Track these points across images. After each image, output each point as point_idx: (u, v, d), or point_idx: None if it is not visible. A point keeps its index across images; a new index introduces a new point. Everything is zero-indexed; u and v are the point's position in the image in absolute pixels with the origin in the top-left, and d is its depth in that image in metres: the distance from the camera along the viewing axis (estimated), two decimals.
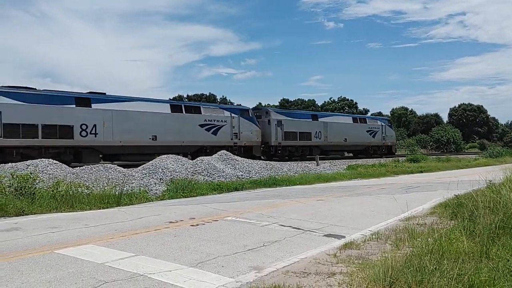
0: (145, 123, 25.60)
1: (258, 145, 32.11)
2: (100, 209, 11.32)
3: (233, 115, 30.70)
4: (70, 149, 23.01)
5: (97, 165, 17.38)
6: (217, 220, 9.51)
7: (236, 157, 22.23)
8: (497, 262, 5.52)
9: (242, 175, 19.38)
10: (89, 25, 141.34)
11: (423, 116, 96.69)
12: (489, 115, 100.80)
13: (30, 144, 21.35)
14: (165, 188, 14.75)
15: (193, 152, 27.71)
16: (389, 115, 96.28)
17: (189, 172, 18.01)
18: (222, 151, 22.57)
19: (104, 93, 25.78)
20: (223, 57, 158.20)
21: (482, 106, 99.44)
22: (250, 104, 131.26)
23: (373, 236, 7.76)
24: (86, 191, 12.59)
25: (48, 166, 15.81)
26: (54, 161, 16.66)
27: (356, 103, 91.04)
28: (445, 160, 36.19)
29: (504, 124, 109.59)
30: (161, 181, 16.18)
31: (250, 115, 32.17)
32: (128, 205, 12.10)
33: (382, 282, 4.81)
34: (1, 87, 21.29)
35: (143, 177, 16.43)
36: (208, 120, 29.15)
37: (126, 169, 17.48)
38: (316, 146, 36.44)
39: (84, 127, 23.22)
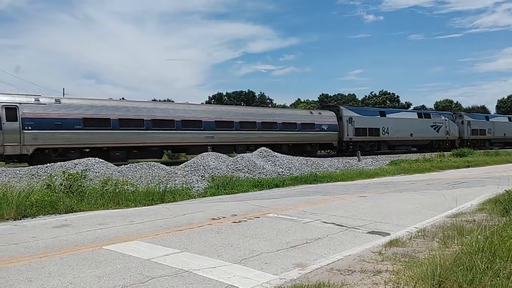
0: (406, 125, 40.66)
1: (455, 139, 45.80)
2: (145, 206, 11.59)
3: (445, 118, 45.20)
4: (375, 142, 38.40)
5: (141, 163, 17.82)
6: (259, 217, 9.53)
7: (276, 153, 22.21)
8: None
9: (282, 171, 19.35)
10: (131, 27, 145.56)
11: (469, 108, 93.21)
12: None
13: (365, 139, 37.24)
14: (207, 185, 14.93)
15: (425, 145, 43.29)
16: (433, 108, 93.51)
17: (229, 169, 18.16)
18: (262, 148, 22.61)
19: (390, 108, 39.01)
20: (261, 53, 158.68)
21: None
22: (288, 100, 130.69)
23: (419, 233, 7.55)
24: (131, 188, 12.93)
25: (94, 165, 16.36)
26: (101, 160, 17.23)
27: (398, 96, 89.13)
28: (494, 154, 34.72)
29: None
30: (203, 178, 16.40)
31: (453, 118, 46.69)
32: (172, 202, 12.33)
33: (430, 281, 4.66)
34: (348, 106, 42.04)
35: (185, 175, 16.71)
36: (434, 122, 43.70)
37: (169, 166, 17.84)
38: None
39: (383, 129, 38.21)
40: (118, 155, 23.23)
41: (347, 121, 35.89)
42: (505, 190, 10.47)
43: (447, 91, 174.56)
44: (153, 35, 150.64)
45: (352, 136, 36.16)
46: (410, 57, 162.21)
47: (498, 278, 4.52)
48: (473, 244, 5.80)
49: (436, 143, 44.21)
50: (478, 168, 25.68)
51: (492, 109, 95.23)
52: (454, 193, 12.98)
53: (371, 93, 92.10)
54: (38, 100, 21.91)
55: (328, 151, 36.32)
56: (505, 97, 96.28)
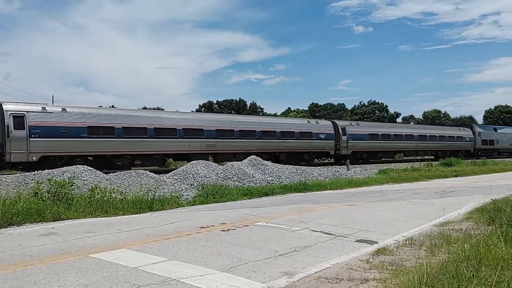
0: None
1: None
2: (133, 214, 11.52)
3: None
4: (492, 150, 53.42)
5: (130, 171, 17.71)
6: (248, 225, 9.52)
7: (266, 162, 22.21)
8: None
9: (272, 180, 19.37)
10: (121, 35, 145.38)
11: (457, 118, 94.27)
12: None
13: (488, 147, 52.71)
14: (196, 194, 14.89)
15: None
16: (422, 118, 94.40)
17: (219, 177, 18.13)
18: (252, 156, 22.60)
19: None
20: (252, 62, 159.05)
21: None
22: (278, 109, 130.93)
23: (407, 242, 7.60)
24: (119, 196, 12.84)
25: (83, 173, 16.22)
26: (89, 168, 17.08)
27: (386, 106, 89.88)
28: (481, 164, 35.04)
29: None
30: (192, 186, 16.34)
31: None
32: (160, 210, 12.27)
33: None
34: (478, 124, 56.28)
35: (174, 183, 16.64)
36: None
37: (157, 175, 17.76)
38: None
39: (496, 140, 53.68)
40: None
41: (478, 135, 51.03)
42: (491, 199, 10.60)
43: (435, 101, 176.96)
44: (144, 43, 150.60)
45: (480, 145, 50.80)
46: (399, 68, 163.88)
47: (483, 286, 4.56)
48: (460, 252, 5.86)
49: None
50: (466, 177, 25.94)
51: (480, 120, 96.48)
52: (442, 202, 13.06)
53: (360, 102, 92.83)
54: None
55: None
56: (492, 107, 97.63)
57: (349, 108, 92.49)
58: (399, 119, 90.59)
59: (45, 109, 22.18)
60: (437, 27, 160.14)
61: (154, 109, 62.51)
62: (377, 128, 41.23)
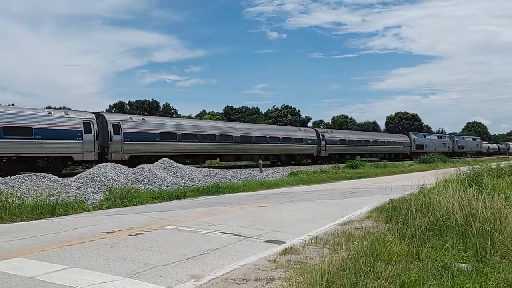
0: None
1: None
2: (32, 220, 10.71)
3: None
4: None
5: (30, 174, 16.50)
6: (157, 229, 9.30)
7: (178, 164, 21.93)
8: (426, 262, 5.79)
9: (184, 183, 19.13)
10: (24, 28, 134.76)
11: (361, 123, 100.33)
12: (423, 123, 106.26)
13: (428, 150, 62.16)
14: (103, 198, 14.24)
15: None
16: (330, 122, 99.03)
17: (129, 180, 17.53)
18: (164, 159, 22.19)
19: None
20: (166, 63, 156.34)
21: (416, 114, 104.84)
22: (193, 111, 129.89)
23: (312, 241, 7.91)
24: (17, 201, 11.89)
25: None
26: None
27: (299, 111, 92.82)
28: (382, 166, 37.65)
29: (436, 131, 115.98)
30: (99, 190, 15.61)
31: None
32: (64, 215, 11.55)
33: (319, 285, 4.90)
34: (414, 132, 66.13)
35: (80, 186, 15.79)
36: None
37: (62, 178, 16.74)
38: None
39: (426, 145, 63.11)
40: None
41: (413, 140, 60.39)
42: (390, 199, 11.39)
43: (343, 107, 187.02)
44: (49, 38, 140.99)
45: (414, 149, 59.60)
46: (311, 74, 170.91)
47: (378, 280, 4.87)
48: (359, 249, 6.22)
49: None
50: (369, 179, 27.64)
51: (382, 125, 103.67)
52: (346, 202, 13.81)
53: (273, 106, 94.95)
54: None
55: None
56: (393, 114, 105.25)
57: (263, 112, 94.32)
58: (310, 123, 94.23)
59: (132, 118, 28.54)
60: (345, 36, 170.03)
61: (60, 108, 59.15)
62: (347, 134, 51.32)
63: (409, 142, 60.12)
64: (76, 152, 24.32)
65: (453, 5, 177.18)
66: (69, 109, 52.77)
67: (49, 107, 56.32)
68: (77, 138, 24.31)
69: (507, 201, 7.89)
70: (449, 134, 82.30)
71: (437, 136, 72.32)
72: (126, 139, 26.48)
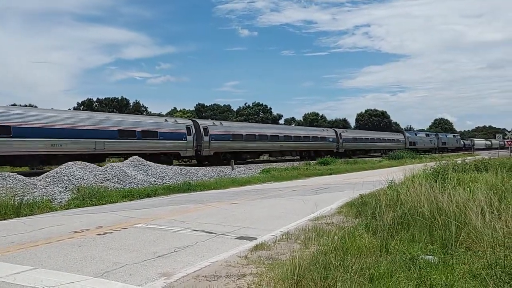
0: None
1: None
2: None
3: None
4: None
5: None
6: (127, 228, 9.15)
7: (148, 162, 21.64)
8: (395, 255, 5.91)
9: (155, 181, 18.91)
10: None
11: (332, 121, 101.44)
12: (392, 120, 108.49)
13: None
14: (71, 197, 13.92)
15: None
16: (302, 120, 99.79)
17: (98, 179, 17.18)
18: (134, 157, 21.84)
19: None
20: (136, 60, 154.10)
21: (385, 111, 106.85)
22: (164, 109, 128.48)
23: (284, 237, 7.94)
24: None
25: None
26: None
27: (270, 108, 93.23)
28: (353, 163, 38.15)
29: (404, 128, 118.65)
30: (67, 189, 15.24)
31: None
32: (29, 215, 11.22)
33: (289, 280, 4.93)
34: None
35: (46, 186, 15.39)
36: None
37: (27, 177, 16.27)
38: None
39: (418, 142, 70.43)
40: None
41: (407, 138, 67.16)
42: (359, 194, 11.57)
43: (314, 104, 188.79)
44: (15, 34, 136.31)
45: (408, 146, 64.12)
46: (283, 72, 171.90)
47: (348, 273, 4.94)
48: (329, 244, 6.29)
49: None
50: (339, 175, 27.96)
51: (352, 122, 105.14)
52: (317, 198, 13.94)
53: (245, 104, 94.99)
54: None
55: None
56: (363, 111, 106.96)
57: (234, 110, 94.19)
58: (281, 121, 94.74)
59: (214, 123, 36.27)
60: (316, 34, 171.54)
61: (26, 106, 57.48)
62: (358, 133, 60.42)
63: (404, 139, 67.02)
64: (182, 150, 31.49)
65: (421, 5, 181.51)
66: (36, 106, 51.95)
67: (13, 105, 54.71)
68: (183, 139, 31.51)
69: (472, 195, 8.12)
70: (435, 132, 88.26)
71: (425, 134, 78.79)
72: (212, 139, 33.84)
